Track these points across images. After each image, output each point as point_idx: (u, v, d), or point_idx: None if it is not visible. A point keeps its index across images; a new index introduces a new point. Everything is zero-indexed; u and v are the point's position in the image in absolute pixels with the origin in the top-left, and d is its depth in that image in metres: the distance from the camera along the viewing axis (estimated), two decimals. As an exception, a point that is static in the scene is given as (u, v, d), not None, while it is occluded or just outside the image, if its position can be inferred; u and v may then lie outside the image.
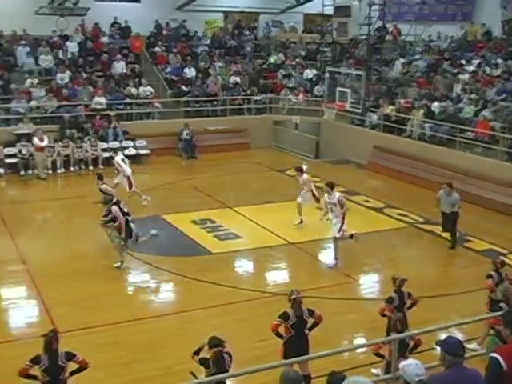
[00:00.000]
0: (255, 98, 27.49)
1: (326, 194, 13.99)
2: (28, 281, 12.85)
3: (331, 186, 13.79)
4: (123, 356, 9.79)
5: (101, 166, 22.53)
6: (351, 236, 13.86)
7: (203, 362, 7.51)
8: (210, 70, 28.10)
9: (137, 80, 26.32)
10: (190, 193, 19.66)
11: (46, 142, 21.77)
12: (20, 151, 21.73)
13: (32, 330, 10.83)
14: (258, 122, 26.61)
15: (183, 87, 26.84)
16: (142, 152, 23.80)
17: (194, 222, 16.70)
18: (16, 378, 8.45)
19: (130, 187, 18.00)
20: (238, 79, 27.89)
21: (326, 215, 14.59)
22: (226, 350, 7.48)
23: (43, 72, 25.65)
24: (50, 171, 21.54)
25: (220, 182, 20.99)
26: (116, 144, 23.47)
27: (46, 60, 25.83)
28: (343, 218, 13.64)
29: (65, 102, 24.12)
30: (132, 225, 13.58)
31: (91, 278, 12.88)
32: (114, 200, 13.66)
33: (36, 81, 24.67)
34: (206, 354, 7.55)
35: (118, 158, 18.59)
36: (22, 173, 21.49)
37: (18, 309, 11.87)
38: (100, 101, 24.49)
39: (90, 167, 22.51)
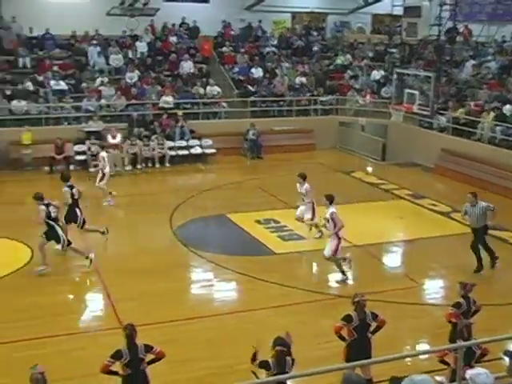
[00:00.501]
0: (321, 98, 27.36)
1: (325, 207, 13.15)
2: (94, 275, 13.10)
3: (330, 199, 12.80)
4: (184, 352, 9.85)
5: (167, 164, 22.85)
6: (344, 259, 13.10)
7: (264, 365, 7.49)
8: (276, 71, 28.14)
9: (204, 80, 26.57)
10: (254, 192, 19.70)
11: (118, 140, 22.25)
12: (89, 148, 22.25)
13: (97, 324, 11.08)
14: (324, 122, 26.46)
15: (250, 87, 26.94)
16: (207, 151, 23.97)
17: (258, 221, 16.71)
18: (79, 370, 8.66)
19: (101, 181, 18.24)
20: (304, 80, 27.82)
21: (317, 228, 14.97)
22: (290, 356, 7.47)
23: (113, 71, 26.18)
24: (118, 168, 21.92)
25: (284, 182, 20.86)
26: (183, 143, 23.76)
27: (116, 59, 26.37)
28: (339, 238, 12.74)
29: (133, 101, 24.59)
30: (59, 231, 13.33)
31: (155, 274, 13.02)
32: (45, 201, 13.30)
33: (106, 80, 25.21)
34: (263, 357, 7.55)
35: (104, 153, 18.64)
36: (91, 169, 21.96)
37: (83, 302, 12.13)
38: (168, 100, 24.81)
39: (157, 165, 22.82)
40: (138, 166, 22.64)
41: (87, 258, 13.31)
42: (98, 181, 18.26)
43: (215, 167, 23.24)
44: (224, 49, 28.78)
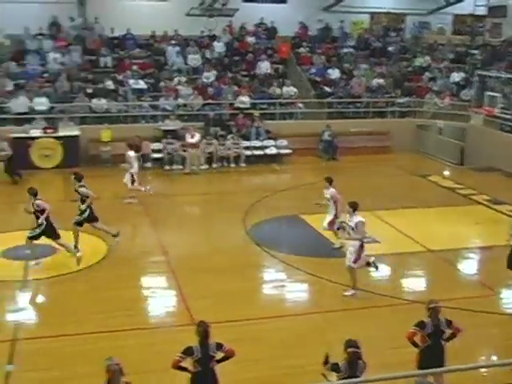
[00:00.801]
0: (399, 100, 26.98)
1: (347, 215, 12.64)
2: (168, 272, 13.29)
3: (354, 206, 12.28)
4: (255, 352, 9.86)
5: (242, 164, 22.98)
6: (368, 263, 12.51)
7: (335, 368, 7.41)
8: (354, 72, 27.89)
9: (281, 80, 26.61)
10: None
11: (196, 139, 22.54)
12: (165, 147, 22.62)
13: (169, 320, 11.24)
14: (401, 125, 26.06)
15: (326, 88, 26.80)
16: (283, 152, 23.98)
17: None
18: (153, 365, 8.79)
19: (132, 183, 18.17)
20: (382, 81, 27.50)
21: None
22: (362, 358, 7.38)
23: (191, 71, 26.51)
24: (194, 167, 22.16)
25: (359, 184, 20.68)
26: (258, 143, 23.86)
27: (194, 59, 26.72)
28: (361, 246, 12.19)
29: (210, 101, 24.84)
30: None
31: (228, 273, 13.10)
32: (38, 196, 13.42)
33: (183, 79, 25.57)
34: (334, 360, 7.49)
35: (131, 153, 18.61)
36: (167, 167, 22.34)
37: (157, 298, 12.31)
38: (244, 100, 24.97)
39: (232, 165, 22.98)
40: (214, 165, 22.84)
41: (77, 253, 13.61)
42: (129, 184, 18.20)
43: (290, 168, 23.24)
44: (301, 49, 28.73)
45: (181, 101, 24.73)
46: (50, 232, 13.41)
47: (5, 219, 16.75)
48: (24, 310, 11.63)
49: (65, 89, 24.42)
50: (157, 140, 23.21)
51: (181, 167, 22.41)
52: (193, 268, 13.35)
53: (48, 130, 22.44)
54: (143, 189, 18.37)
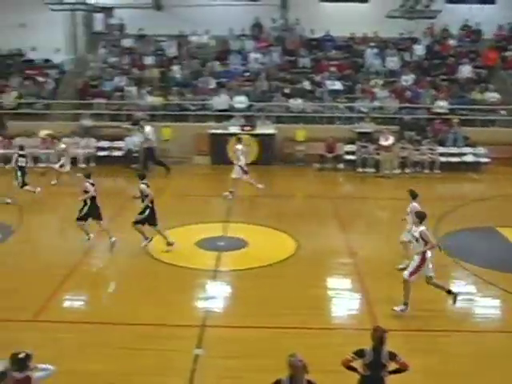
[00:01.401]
0: None
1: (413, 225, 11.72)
2: (355, 274, 13.19)
3: (421, 217, 11.45)
4: (440, 364, 9.49)
5: (437, 171, 22.32)
6: (449, 292, 11.46)
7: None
8: None
9: (483, 85, 25.43)
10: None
11: (390, 142, 22.26)
12: (359, 149, 22.53)
13: (351, 322, 11.13)
14: None
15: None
16: (481, 160, 22.94)
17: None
18: (328, 365, 8.75)
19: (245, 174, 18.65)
20: None
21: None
22: None
23: (388, 73, 26.18)
24: (387, 171, 21.85)
25: None
26: (455, 149, 23.05)
27: (392, 62, 26.35)
28: (423, 259, 11.13)
29: (406, 104, 24.36)
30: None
31: (415, 281, 12.74)
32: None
33: (380, 82, 25.30)
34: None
35: (240, 146, 18.90)
36: (360, 169, 22.24)
37: (342, 299, 12.23)
38: (442, 104, 24.22)
39: (426, 171, 22.40)
40: (407, 170, 22.40)
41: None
42: (242, 176, 18.63)
43: (487, 177, 22.20)
44: (507, 53, 27.24)
45: (377, 103, 24.51)
46: (153, 219, 14.06)
47: (198, 211, 17.57)
48: (213, 299, 12.09)
49: (263, 88, 25.17)
50: (350, 142, 23.18)
51: (373, 170, 22.22)
52: (380, 272, 13.12)
53: (245, 128, 23.23)
54: (253, 181, 18.84)
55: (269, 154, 22.91)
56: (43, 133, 23.25)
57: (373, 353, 7.33)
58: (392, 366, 7.36)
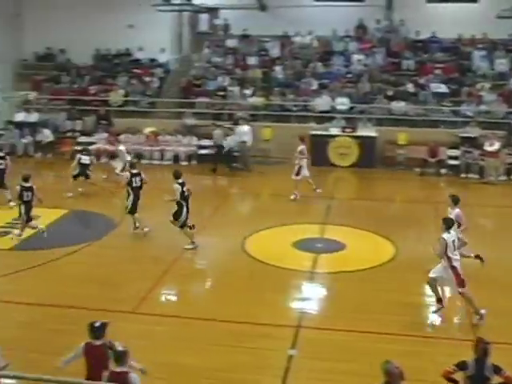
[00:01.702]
0: None
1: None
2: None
3: (448, 224, 10.87)
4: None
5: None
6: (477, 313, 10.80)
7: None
8: None
9: None
10: None
11: (495, 148, 21.48)
12: (463, 155, 21.87)
13: (448, 332, 10.72)
14: None
15: None
16: None
17: None
18: (421, 374, 8.50)
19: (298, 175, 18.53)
20: None
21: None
22: None
23: (496, 76, 25.29)
24: (492, 177, 21.11)
25: None
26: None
27: (501, 64, 25.46)
28: (454, 267, 10.75)
29: (517, 108, 23.50)
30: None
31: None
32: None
33: (488, 85, 24.47)
34: None
35: (302, 146, 18.67)
36: (463, 175, 21.60)
37: (439, 309, 11.85)
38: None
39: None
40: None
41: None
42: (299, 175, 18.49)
43: None
44: None
45: (483, 107, 23.72)
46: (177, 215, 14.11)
47: (296, 211, 17.59)
48: (309, 300, 12.06)
49: (366, 90, 24.91)
50: (454, 146, 22.53)
51: (477, 176, 21.51)
52: (476, 281, 12.61)
53: (346, 130, 23.07)
54: (311, 181, 18.76)
55: (369, 157, 22.64)
56: (147, 130, 23.95)
57: (475, 365, 7.08)
58: (496, 379, 7.09)
